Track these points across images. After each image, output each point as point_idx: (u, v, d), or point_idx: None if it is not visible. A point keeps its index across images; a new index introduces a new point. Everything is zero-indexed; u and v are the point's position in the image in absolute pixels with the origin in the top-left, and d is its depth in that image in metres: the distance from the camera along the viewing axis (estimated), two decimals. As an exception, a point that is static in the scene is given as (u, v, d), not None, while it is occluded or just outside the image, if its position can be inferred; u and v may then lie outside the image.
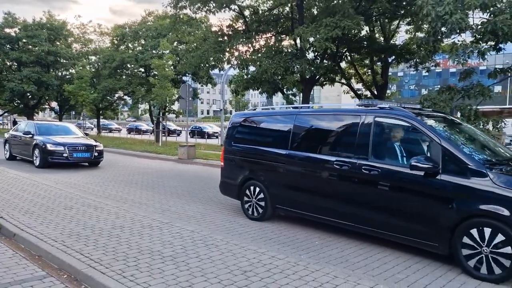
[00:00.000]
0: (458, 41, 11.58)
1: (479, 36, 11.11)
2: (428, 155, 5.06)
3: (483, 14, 10.97)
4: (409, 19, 16.80)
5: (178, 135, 41.94)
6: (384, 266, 4.99)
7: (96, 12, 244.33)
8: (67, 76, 38.22)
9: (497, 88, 77.61)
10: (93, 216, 6.62)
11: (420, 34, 16.09)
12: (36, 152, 13.97)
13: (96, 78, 35.16)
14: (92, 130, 46.83)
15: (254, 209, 7.18)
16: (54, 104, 42.94)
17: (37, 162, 13.92)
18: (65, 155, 13.68)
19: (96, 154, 14.37)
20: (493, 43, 11.20)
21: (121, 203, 8.14)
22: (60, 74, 39.23)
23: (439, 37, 11.37)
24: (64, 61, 37.09)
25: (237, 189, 7.52)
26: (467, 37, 11.78)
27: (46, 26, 36.31)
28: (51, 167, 13.70)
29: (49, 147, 13.64)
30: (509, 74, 14.01)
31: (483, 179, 4.55)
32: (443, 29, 11.10)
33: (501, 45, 11.80)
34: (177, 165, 16.07)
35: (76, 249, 4.96)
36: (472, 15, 10.94)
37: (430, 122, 5.54)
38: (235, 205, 8.42)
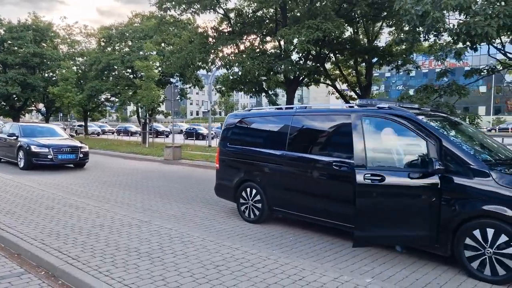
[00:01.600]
0: (437, 41, 11.92)
1: (455, 38, 11.48)
2: (430, 155, 4.89)
3: (459, 15, 11.33)
4: (391, 21, 17.13)
5: (167, 136, 41.42)
6: (352, 259, 5.22)
7: (83, 12, 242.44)
8: (54, 78, 38.00)
9: (483, 88, 78.99)
10: (74, 216, 6.75)
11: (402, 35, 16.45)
12: (21, 154, 13.99)
13: (83, 80, 35.03)
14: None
15: (251, 211, 7.09)
16: (40, 105, 42.67)
17: (21, 164, 13.94)
18: (49, 156, 13.73)
19: (81, 155, 14.43)
20: (469, 44, 11.60)
21: (103, 203, 8.28)
22: (46, 75, 38.99)
23: (417, 35, 11.71)
24: (50, 62, 36.88)
25: (233, 191, 7.42)
26: (447, 38, 12.17)
27: (32, 28, 36.09)
28: (36, 169, 13.74)
29: (34, 148, 13.68)
30: (486, 74, 14.44)
31: (486, 179, 4.53)
32: (421, 28, 11.45)
33: (478, 46, 12.24)
34: (162, 166, 16.20)
35: (55, 247, 5.10)
36: (448, 16, 11.28)
37: (431, 122, 5.42)
38: (217, 204, 8.62)
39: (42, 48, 35.98)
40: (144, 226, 6.14)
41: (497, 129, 55.82)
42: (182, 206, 8.42)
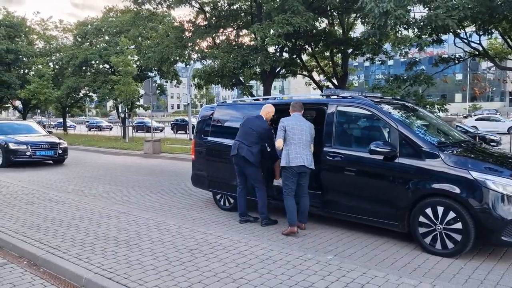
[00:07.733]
0: (401, 34, 12.35)
1: (418, 32, 11.94)
2: (388, 140, 5.38)
3: (424, 9, 11.77)
4: (361, 14, 17.47)
5: (161, 131, 37.41)
6: (319, 240, 5.60)
7: (56, 4, 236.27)
8: (32, 73, 37.29)
9: (459, 76, 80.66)
10: (54, 210, 6.96)
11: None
12: (-2, 152, 13.96)
13: (61, 76, 34.56)
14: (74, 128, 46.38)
15: (226, 200, 7.40)
16: (17, 102, 41.92)
17: (-1, 161, 13.92)
18: (28, 153, 13.75)
19: (60, 151, 14.48)
20: (433, 36, 12.08)
21: (83, 196, 8.48)
22: (22, 72, 38.27)
23: (385, 30, 12.12)
24: (26, 59, 36.23)
25: (208, 181, 7.72)
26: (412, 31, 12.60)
27: (4, 23, 35.34)
28: (14, 166, 13.74)
29: (11, 146, 13.66)
30: (453, 63, 15.03)
31: (435, 160, 4.93)
32: (388, 22, 11.85)
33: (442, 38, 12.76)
34: (142, 160, 16.36)
35: (36, 239, 5.34)
36: (413, 10, 11.70)
37: (389, 109, 5.84)
38: (195, 194, 8.90)
39: (16, 44, 35.31)
40: (122, 217, 6.41)
41: (472, 116, 57.17)
42: (161, 197, 8.68)
